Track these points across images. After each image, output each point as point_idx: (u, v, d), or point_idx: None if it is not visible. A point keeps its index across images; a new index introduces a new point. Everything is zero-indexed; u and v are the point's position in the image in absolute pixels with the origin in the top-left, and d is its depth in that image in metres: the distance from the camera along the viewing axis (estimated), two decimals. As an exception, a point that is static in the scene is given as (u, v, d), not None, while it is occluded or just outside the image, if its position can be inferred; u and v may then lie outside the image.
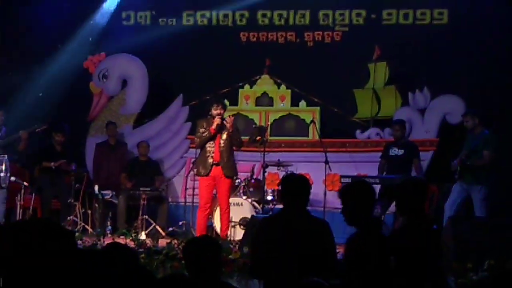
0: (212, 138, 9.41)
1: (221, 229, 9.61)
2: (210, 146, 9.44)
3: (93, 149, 11.93)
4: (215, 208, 10.04)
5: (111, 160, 11.53)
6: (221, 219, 9.58)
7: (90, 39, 12.51)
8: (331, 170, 10.23)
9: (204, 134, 9.43)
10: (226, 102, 11.79)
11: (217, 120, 9.35)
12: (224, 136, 9.43)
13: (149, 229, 10.31)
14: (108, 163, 11.53)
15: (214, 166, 9.40)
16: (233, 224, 9.95)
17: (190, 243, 4.55)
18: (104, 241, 8.55)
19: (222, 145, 9.41)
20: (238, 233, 9.77)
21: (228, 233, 9.72)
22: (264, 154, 10.37)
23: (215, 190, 9.59)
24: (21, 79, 12.35)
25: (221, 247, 4.69)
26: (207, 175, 9.42)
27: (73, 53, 12.37)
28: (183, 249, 4.94)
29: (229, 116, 9.75)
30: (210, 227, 9.89)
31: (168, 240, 8.94)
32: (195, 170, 9.77)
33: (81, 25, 12.35)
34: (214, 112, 9.43)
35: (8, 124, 10.71)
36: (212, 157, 9.40)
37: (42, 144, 11.02)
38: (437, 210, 10.12)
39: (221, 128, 9.42)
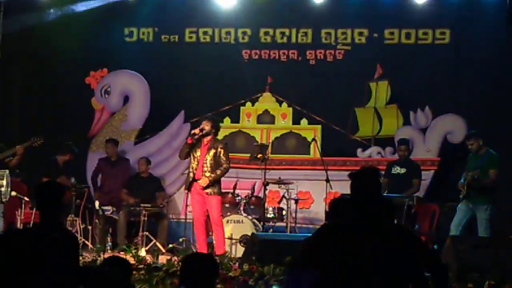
0: (192, 148, 9.34)
1: (215, 247, 9.44)
2: (193, 163, 9.40)
3: (94, 165, 11.93)
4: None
5: (112, 176, 11.54)
6: (214, 237, 9.51)
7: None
8: (332, 188, 10.22)
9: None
10: (228, 119, 11.86)
11: (195, 130, 9.32)
12: (210, 156, 9.34)
13: (149, 245, 10.28)
14: (109, 179, 11.53)
15: (195, 182, 9.36)
16: (233, 241, 9.93)
17: (188, 258, 4.58)
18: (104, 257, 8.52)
19: (207, 164, 9.32)
20: (239, 251, 9.74)
21: (228, 250, 9.69)
22: (265, 172, 10.38)
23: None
24: (21, 93, 12.41)
25: (218, 265, 4.72)
26: (189, 190, 9.44)
27: (75, 68, 12.39)
28: (181, 264, 4.88)
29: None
30: (211, 244, 9.86)
31: (168, 257, 8.92)
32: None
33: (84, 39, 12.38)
34: (201, 127, 9.44)
35: (6, 138, 10.74)
36: (194, 173, 9.37)
37: (45, 160, 11.03)
38: (438, 229, 10.13)
39: (202, 141, 9.38)
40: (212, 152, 9.36)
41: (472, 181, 9.25)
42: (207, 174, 9.28)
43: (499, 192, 9.59)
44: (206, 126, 9.36)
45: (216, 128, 9.57)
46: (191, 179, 9.39)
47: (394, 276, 4.30)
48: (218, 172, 9.32)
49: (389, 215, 4.70)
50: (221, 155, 9.38)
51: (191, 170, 9.42)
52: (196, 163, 9.39)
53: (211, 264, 4.47)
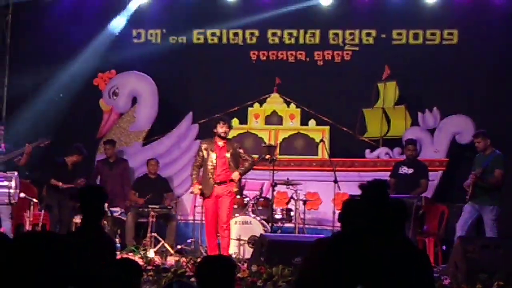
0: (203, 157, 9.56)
1: (222, 249, 9.44)
2: (211, 166, 9.48)
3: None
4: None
5: (111, 177, 11.52)
6: (220, 236, 9.52)
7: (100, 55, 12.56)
8: (340, 189, 10.20)
9: (193, 176, 9.63)
10: (236, 120, 11.87)
11: (196, 191, 9.63)
12: (229, 157, 9.47)
13: (158, 246, 10.29)
14: (108, 180, 11.48)
15: (215, 186, 9.44)
16: (242, 242, 9.92)
17: (205, 262, 4.51)
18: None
19: (227, 166, 9.47)
20: (247, 252, 9.74)
21: (236, 250, 9.69)
22: (273, 173, 10.37)
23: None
24: (30, 95, 12.44)
25: (236, 267, 4.66)
26: (209, 196, 9.46)
27: (83, 69, 12.41)
28: (197, 268, 4.78)
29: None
30: (219, 245, 9.86)
31: (177, 258, 8.94)
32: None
33: (92, 42, 12.40)
34: (219, 130, 9.47)
35: (13, 138, 10.77)
36: (213, 178, 9.45)
37: (54, 160, 11.04)
38: (447, 230, 10.11)
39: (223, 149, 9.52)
40: (230, 152, 9.50)
41: (477, 180, 9.23)
42: (227, 175, 9.46)
43: (507, 193, 9.57)
44: (227, 129, 9.52)
45: (231, 129, 9.84)
46: (212, 184, 9.44)
47: (405, 280, 4.26)
48: (246, 164, 9.58)
49: (401, 218, 4.67)
50: (242, 154, 9.62)
51: (210, 176, 9.46)
52: (212, 167, 9.46)
53: (231, 266, 4.37)
